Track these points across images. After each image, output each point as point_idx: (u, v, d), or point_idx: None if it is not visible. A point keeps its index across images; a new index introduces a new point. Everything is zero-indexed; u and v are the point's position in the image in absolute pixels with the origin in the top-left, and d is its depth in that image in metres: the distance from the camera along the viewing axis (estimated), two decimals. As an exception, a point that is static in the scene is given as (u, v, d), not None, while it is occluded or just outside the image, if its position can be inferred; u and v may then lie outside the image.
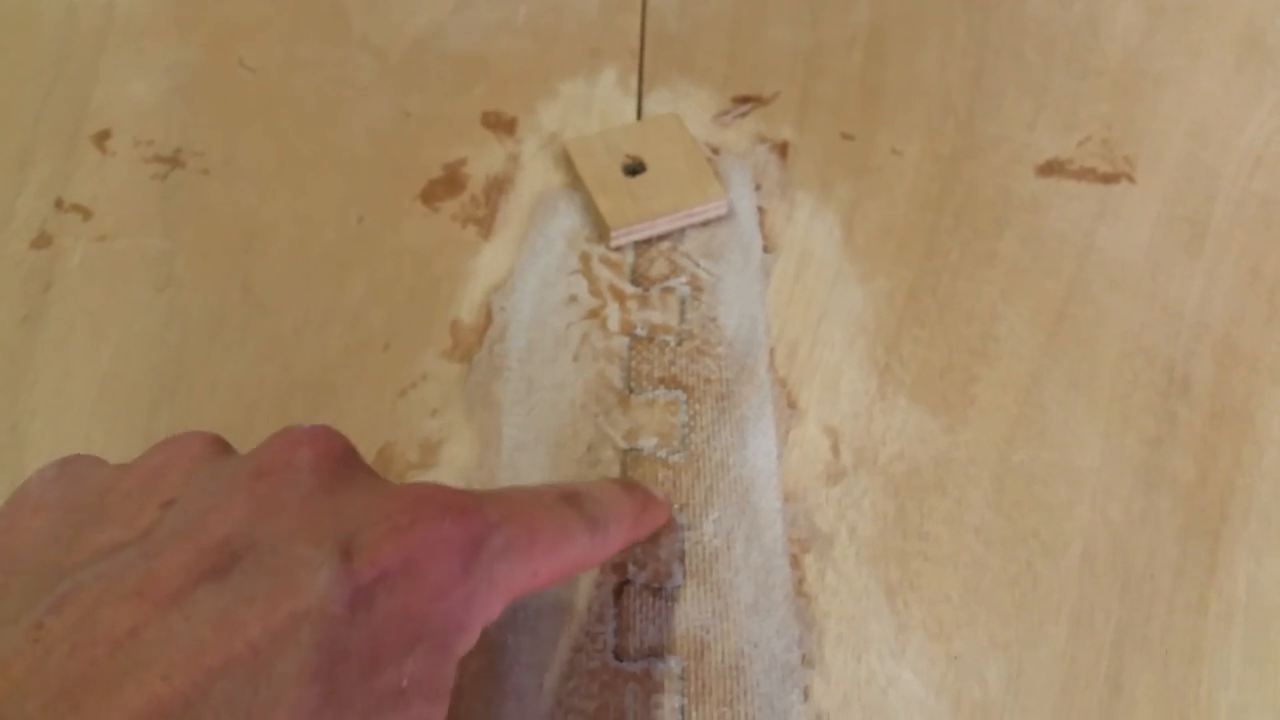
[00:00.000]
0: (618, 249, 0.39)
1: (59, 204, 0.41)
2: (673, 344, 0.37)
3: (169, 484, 0.22)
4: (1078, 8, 0.48)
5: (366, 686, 0.19)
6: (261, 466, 0.21)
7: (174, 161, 0.42)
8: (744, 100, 0.44)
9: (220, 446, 0.23)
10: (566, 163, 0.41)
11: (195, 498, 0.21)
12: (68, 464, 0.23)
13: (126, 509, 0.21)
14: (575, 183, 0.41)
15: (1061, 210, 0.40)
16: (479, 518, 0.22)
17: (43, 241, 0.40)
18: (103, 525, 0.21)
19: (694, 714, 0.29)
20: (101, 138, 0.43)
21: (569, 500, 0.25)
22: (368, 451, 0.34)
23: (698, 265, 0.39)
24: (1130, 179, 0.41)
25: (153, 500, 0.21)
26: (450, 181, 0.41)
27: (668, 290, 0.38)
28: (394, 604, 0.20)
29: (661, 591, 0.31)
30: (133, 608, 0.18)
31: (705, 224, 0.40)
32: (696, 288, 0.38)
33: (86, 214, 0.40)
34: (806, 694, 0.30)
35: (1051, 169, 0.42)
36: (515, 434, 0.34)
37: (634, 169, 0.40)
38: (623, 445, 0.34)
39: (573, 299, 0.38)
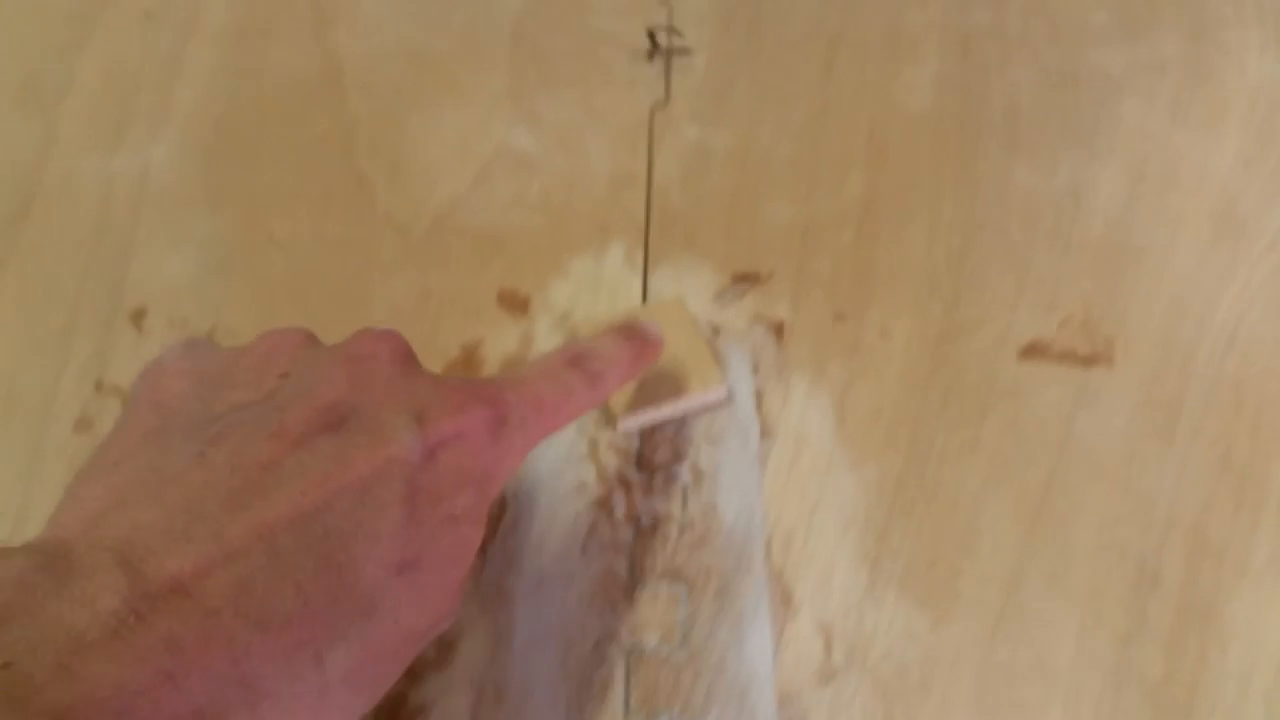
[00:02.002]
0: (624, 434, 0.42)
1: (99, 386, 0.43)
2: (675, 534, 0.39)
3: (282, 361, 0.28)
4: (1061, 178, 0.51)
5: (434, 511, 0.27)
6: (352, 353, 0.29)
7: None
8: (743, 278, 0.47)
9: (314, 338, 0.31)
10: (576, 346, 0.44)
11: (305, 372, 0.28)
12: (191, 344, 0.30)
13: (251, 378, 0.28)
14: (584, 366, 0.43)
15: (1042, 395, 0.43)
16: (502, 402, 0.30)
17: (84, 425, 0.42)
18: (234, 388, 0.27)
19: None
20: (138, 316, 0.45)
21: (573, 363, 0.33)
22: (390, 648, 0.36)
23: (699, 451, 0.41)
24: (1109, 361, 0.44)
25: (271, 372, 0.28)
26: (467, 363, 0.44)
27: (671, 477, 0.41)
28: (450, 459, 0.28)
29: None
30: (272, 445, 0.25)
31: (707, 409, 0.42)
32: (697, 474, 0.41)
33: (125, 397, 0.43)
34: None
35: (1033, 351, 0.44)
36: (527, 630, 0.37)
37: (639, 355, 0.43)
38: (627, 642, 0.37)
39: (582, 486, 0.40)
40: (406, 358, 0.30)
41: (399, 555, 0.26)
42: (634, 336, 0.37)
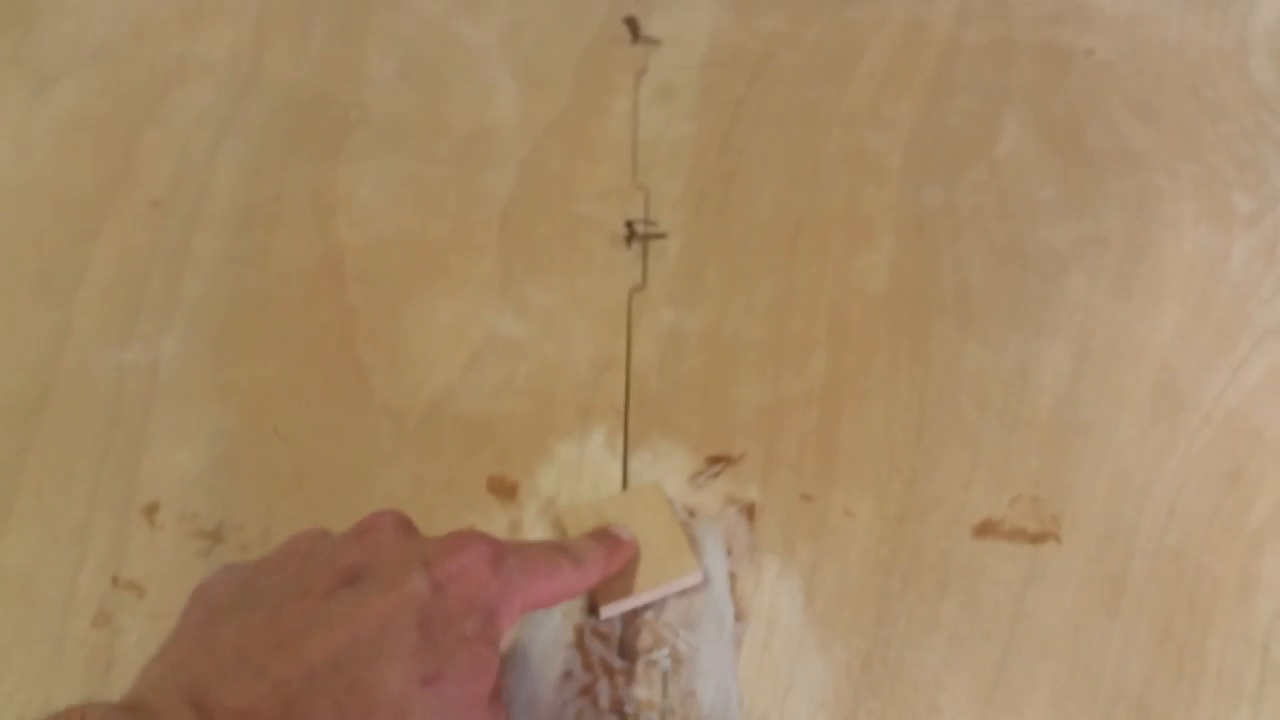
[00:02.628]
0: (606, 620, 0.45)
1: (115, 581, 0.46)
2: (656, 720, 0.42)
3: (304, 548, 0.36)
4: (1010, 355, 0.55)
5: (447, 634, 0.33)
6: (363, 527, 0.37)
7: (216, 537, 0.47)
8: (715, 460, 0.50)
9: (329, 531, 0.38)
10: (561, 530, 0.47)
11: (325, 547, 0.35)
12: (230, 564, 0.37)
13: (280, 565, 0.35)
14: (569, 553, 0.46)
15: (995, 573, 0.46)
16: (497, 542, 0.37)
17: (102, 620, 0.45)
18: (269, 575, 0.34)
19: None
20: (151, 510, 0.49)
21: (558, 549, 0.40)
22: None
23: (677, 636, 0.44)
24: (1057, 538, 0.47)
25: (296, 558, 0.35)
26: (460, 551, 0.47)
27: (651, 664, 0.44)
28: (456, 590, 0.34)
29: None
30: (303, 603, 0.32)
31: (684, 592, 0.46)
32: (677, 660, 0.44)
33: (140, 592, 0.46)
34: None
35: (986, 530, 0.48)
36: (520, 819, 0.40)
37: (620, 542, 0.46)
38: (613, 829, 0.39)
39: (568, 675, 0.43)
40: (409, 525, 0.38)
41: (420, 670, 0.31)
42: (609, 537, 0.43)
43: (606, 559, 0.42)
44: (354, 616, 0.31)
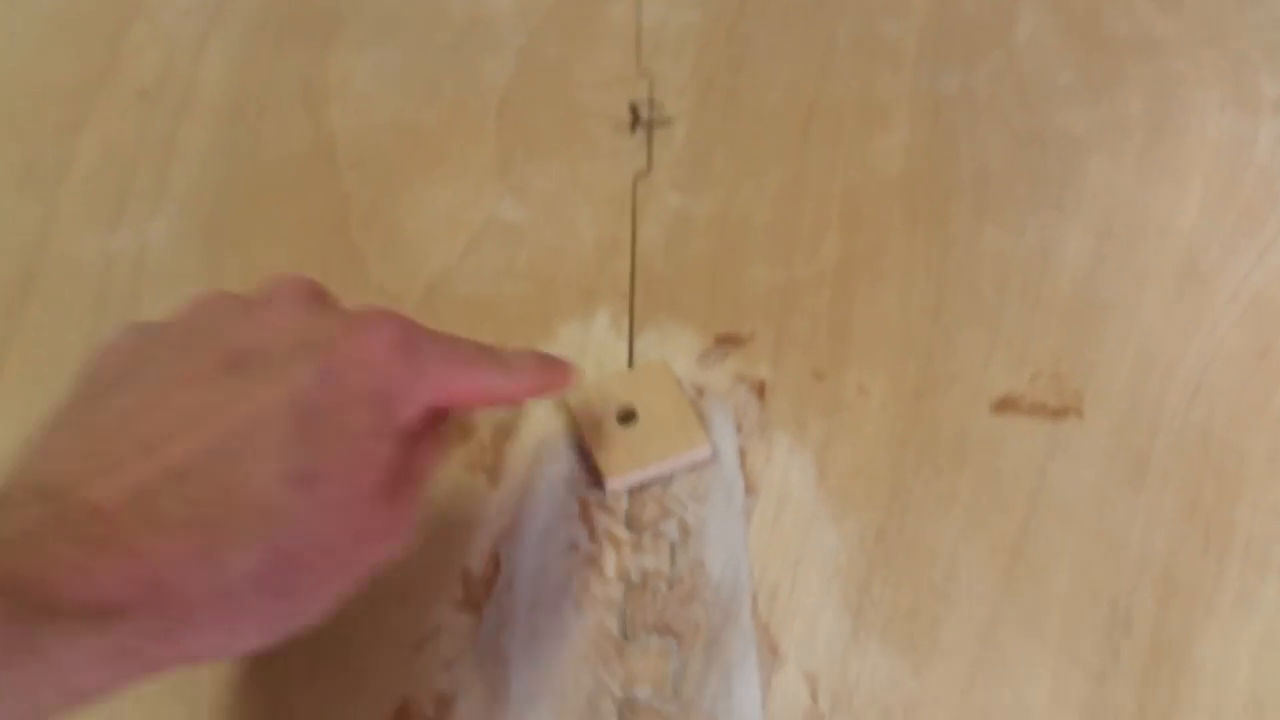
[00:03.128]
0: (613, 494, 0.43)
1: (104, 458, 0.44)
2: (664, 589, 0.41)
3: (202, 319, 0.33)
4: (1030, 237, 0.53)
5: (329, 427, 0.29)
6: (265, 298, 0.34)
7: (208, 415, 0.46)
8: (725, 340, 0.48)
9: (232, 294, 0.35)
10: (565, 410, 0.45)
11: (212, 321, 0.32)
12: (135, 324, 0.33)
13: (175, 338, 0.32)
14: (575, 428, 0.45)
15: (1015, 447, 0.45)
16: (411, 325, 0.33)
17: (90, 497, 0.44)
18: (163, 348, 0.31)
19: None
20: (141, 390, 0.47)
21: (485, 347, 0.36)
22: (387, 707, 0.38)
23: (685, 508, 0.43)
24: (1079, 414, 0.46)
25: (193, 331, 0.32)
26: (461, 428, 0.45)
27: (659, 535, 0.42)
28: (351, 380, 0.30)
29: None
30: (181, 392, 0.29)
31: (692, 467, 0.44)
32: (685, 531, 0.42)
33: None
34: None
35: (1005, 406, 0.46)
36: (522, 687, 0.38)
37: (627, 416, 0.44)
38: (620, 695, 0.38)
39: (574, 546, 0.42)
40: (317, 295, 0.34)
41: (289, 467, 0.28)
42: (542, 354, 0.39)
43: (538, 370, 0.38)
44: (226, 411, 0.28)
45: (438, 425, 0.35)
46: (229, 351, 0.30)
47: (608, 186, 0.55)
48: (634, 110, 0.56)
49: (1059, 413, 0.46)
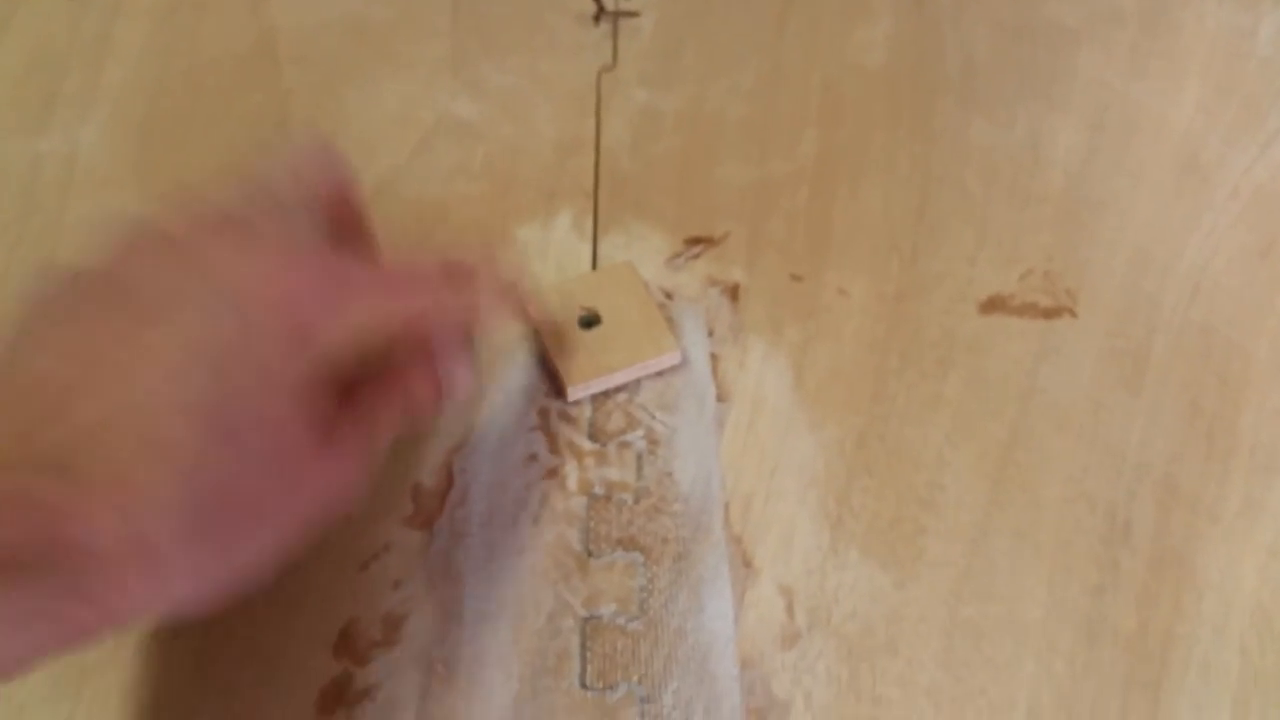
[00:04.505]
0: (575, 403, 0.40)
1: (26, 372, 0.41)
2: (630, 502, 0.38)
3: (134, 272, 0.30)
4: (1019, 131, 0.49)
5: (247, 375, 0.28)
6: (195, 232, 0.31)
7: (139, 324, 0.42)
8: (695, 242, 0.45)
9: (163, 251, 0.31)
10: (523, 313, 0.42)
11: (147, 275, 0.29)
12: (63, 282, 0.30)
13: (108, 288, 0.29)
14: (533, 334, 0.41)
15: (1004, 349, 0.42)
16: (343, 267, 0.31)
17: (10, 412, 0.40)
18: (91, 298, 0.29)
19: None
20: (67, 299, 0.43)
21: (424, 275, 0.34)
22: (330, 629, 0.35)
23: (653, 417, 0.40)
24: (1072, 313, 0.43)
25: (122, 282, 0.29)
26: (411, 336, 0.42)
27: (624, 445, 0.39)
28: (273, 322, 0.29)
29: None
30: (98, 346, 0.27)
31: (660, 374, 0.41)
32: (652, 441, 0.39)
33: (53, 382, 0.41)
34: None
35: (994, 305, 0.43)
36: (477, 605, 0.35)
37: (589, 321, 0.41)
38: (582, 613, 0.35)
39: (532, 458, 0.39)
40: (242, 240, 0.31)
41: (206, 416, 0.27)
42: (497, 269, 0.36)
43: (486, 288, 0.36)
44: (141, 366, 0.27)
45: (395, 381, 0.33)
46: (147, 305, 0.28)
47: (570, 82, 0.51)
48: (597, 2, 0.52)
49: (1051, 312, 0.43)
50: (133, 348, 0.27)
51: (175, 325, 0.28)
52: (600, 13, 0.53)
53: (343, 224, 0.35)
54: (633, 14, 0.53)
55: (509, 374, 0.41)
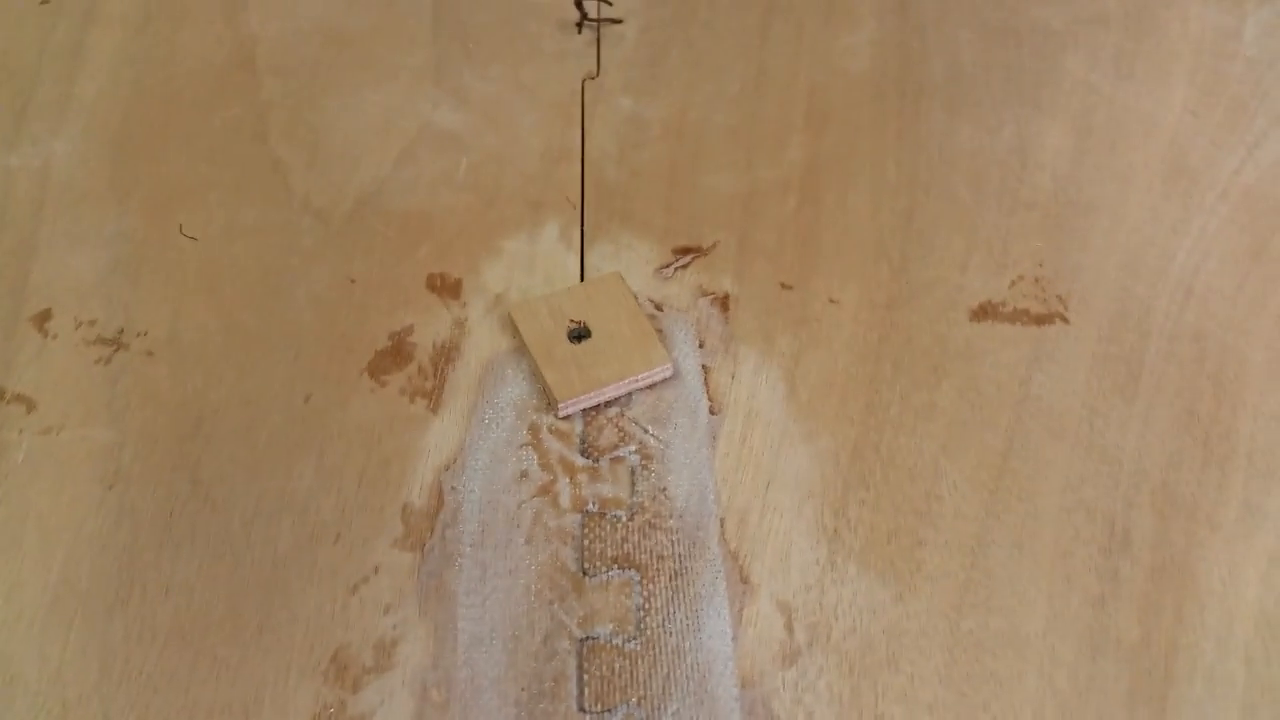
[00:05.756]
0: (566, 418, 0.39)
1: (1, 394, 0.40)
2: (624, 519, 0.37)
3: None
4: (1006, 135, 0.49)
5: None
6: None
7: (117, 343, 0.42)
8: (684, 251, 0.45)
9: None
10: (512, 327, 0.41)
11: None
12: None
13: None
14: (522, 347, 0.41)
15: (996, 356, 0.41)
16: None
17: (-13, 435, 0.39)
18: None
19: None
20: (42, 319, 0.42)
21: None
22: (320, 656, 0.34)
23: (646, 431, 0.39)
24: (1064, 319, 0.42)
25: None
26: (397, 352, 0.41)
27: (617, 460, 0.38)
28: None
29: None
30: None
31: (652, 387, 0.40)
32: (646, 456, 0.38)
33: (30, 405, 0.40)
34: None
35: (985, 313, 0.43)
36: (470, 627, 0.34)
37: (579, 334, 0.41)
38: (579, 634, 0.34)
39: (524, 475, 0.38)
40: None
41: None
42: None
43: None
44: None
45: None
46: None
47: (553, 90, 0.50)
48: (580, 8, 0.52)
49: (1043, 319, 0.42)
50: None
51: None
52: (583, 20, 0.52)
53: None
54: (616, 21, 0.53)
55: (498, 389, 0.40)
